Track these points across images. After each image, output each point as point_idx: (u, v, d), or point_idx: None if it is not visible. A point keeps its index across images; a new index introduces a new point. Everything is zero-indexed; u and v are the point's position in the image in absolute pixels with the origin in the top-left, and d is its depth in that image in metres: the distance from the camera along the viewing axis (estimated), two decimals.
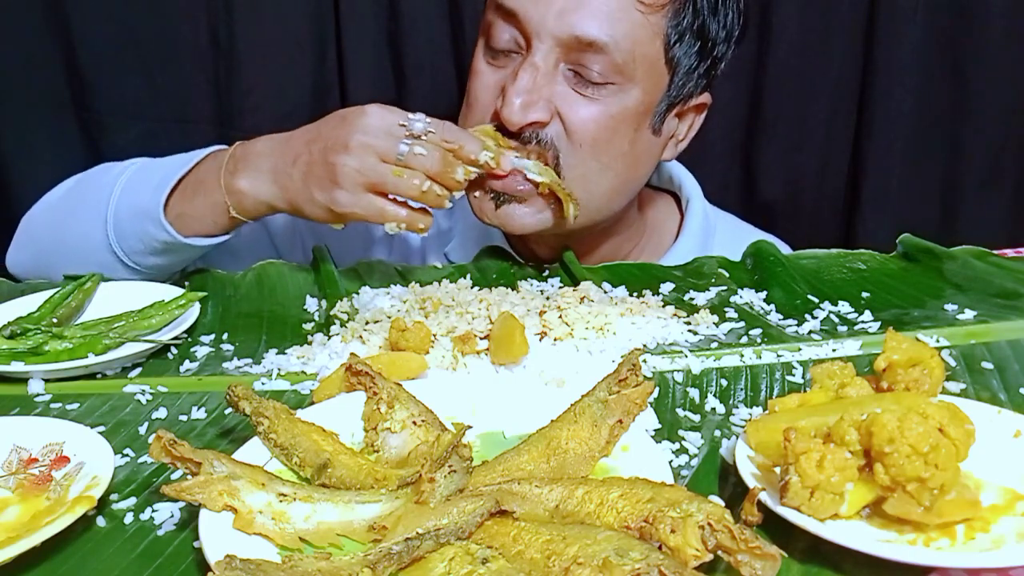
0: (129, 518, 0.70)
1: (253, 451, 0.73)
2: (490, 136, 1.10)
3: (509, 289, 1.09)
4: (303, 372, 0.94)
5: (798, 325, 1.00)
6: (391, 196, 1.02)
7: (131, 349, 0.96)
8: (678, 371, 0.91)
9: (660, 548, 0.58)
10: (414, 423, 0.75)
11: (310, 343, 0.99)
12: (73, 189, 1.25)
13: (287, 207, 1.09)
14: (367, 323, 1.00)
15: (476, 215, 1.18)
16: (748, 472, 0.68)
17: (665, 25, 1.11)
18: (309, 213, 1.07)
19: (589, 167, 1.14)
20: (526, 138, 1.12)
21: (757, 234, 1.31)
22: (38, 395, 0.91)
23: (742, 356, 0.93)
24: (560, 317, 0.97)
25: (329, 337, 0.99)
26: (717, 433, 0.79)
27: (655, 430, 0.80)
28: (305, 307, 1.11)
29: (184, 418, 0.86)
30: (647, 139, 1.18)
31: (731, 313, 1.03)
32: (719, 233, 1.35)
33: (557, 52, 1.10)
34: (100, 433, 0.77)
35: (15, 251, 1.28)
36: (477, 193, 1.15)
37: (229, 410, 0.82)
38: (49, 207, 1.26)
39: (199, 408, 0.87)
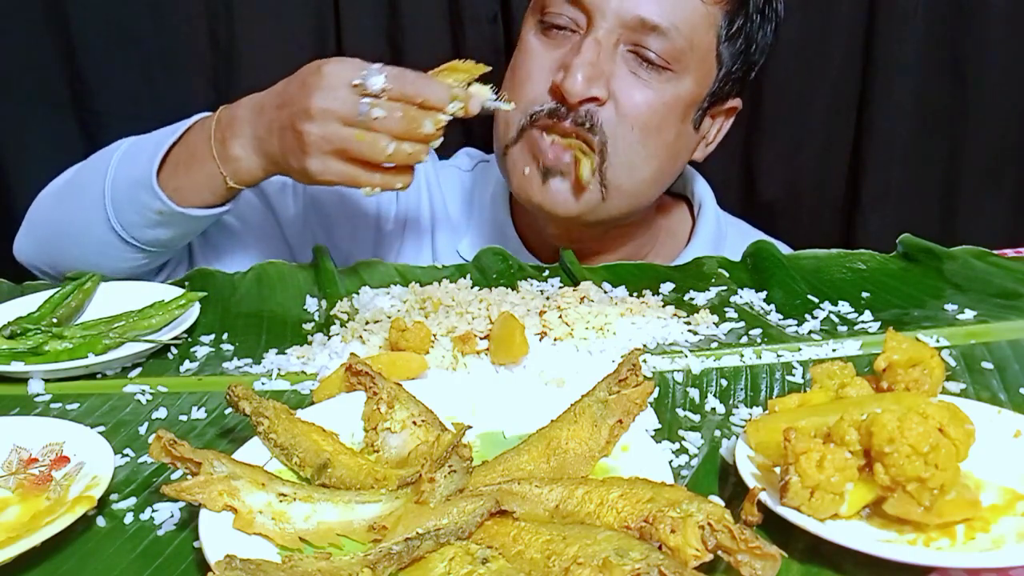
0: (129, 518, 0.70)
1: (253, 451, 0.73)
2: (460, 71, 1.05)
3: (509, 289, 1.09)
4: (303, 372, 0.94)
5: (798, 325, 0.99)
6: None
7: (131, 349, 0.96)
8: (678, 371, 0.91)
9: (660, 548, 0.58)
10: (414, 423, 0.75)
11: (310, 343, 0.99)
12: (74, 174, 1.25)
13: (279, 171, 1.09)
14: (367, 323, 1.00)
15: (518, 193, 1.20)
16: (748, 472, 0.68)
17: (721, 20, 1.15)
18: (298, 179, 1.08)
19: (636, 153, 1.16)
20: (580, 119, 1.13)
21: (766, 239, 1.32)
22: (38, 395, 0.91)
23: (742, 356, 0.93)
24: (560, 317, 0.97)
25: (329, 337, 0.99)
26: (717, 433, 0.79)
27: (655, 430, 0.80)
28: (305, 307, 1.10)
29: (184, 418, 0.86)
30: (688, 133, 1.21)
31: (731, 313, 1.03)
32: (730, 238, 1.36)
33: (618, 32, 1.13)
34: (100, 433, 0.77)
35: (21, 238, 1.28)
36: (527, 169, 1.17)
37: (229, 410, 0.82)
38: (52, 193, 1.26)
39: (199, 408, 0.87)
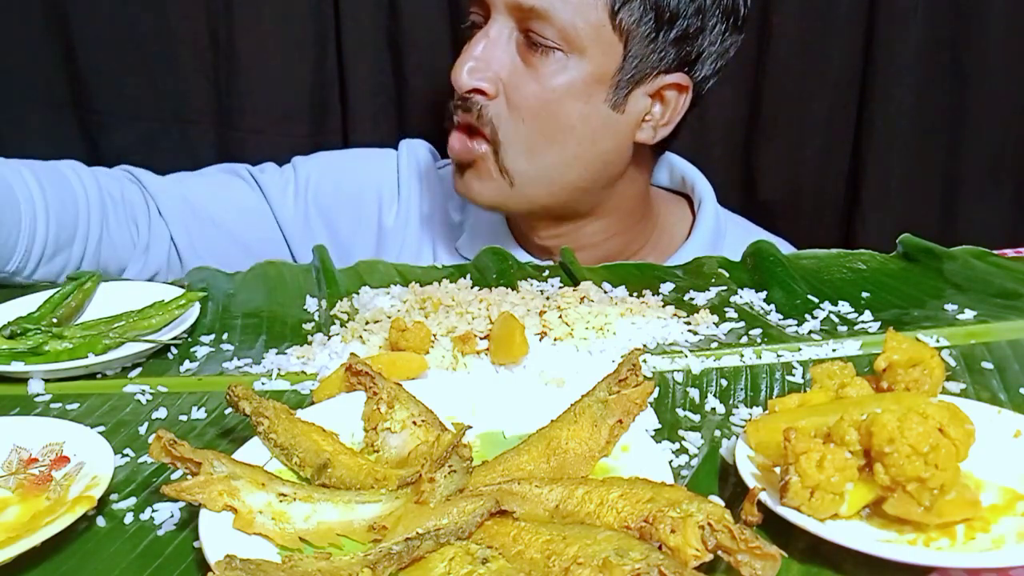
0: (129, 518, 0.70)
1: (253, 451, 0.73)
2: None
3: (509, 289, 1.09)
4: (303, 372, 0.94)
5: (798, 325, 0.99)
6: None
7: (131, 349, 0.96)
8: (678, 371, 0.91)
9: (660, 548, 0.58)
10: (414, 423, 0.75)
11: (310, 343, 0.99)
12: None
13: None
14: (367, 323, 1.00)
15: (455, 186, 1.25)
16: (748, 472, 0.68)
17: None
18: None
19: (533, 140, 1.17)
20: (469, 108, 1.16)
21: (766, 236, 1.32)
22: (38, 395, 0.91)
23: (742, 356, 0.93)
24: (560, 317, 0.97)
25: (329, 337, 0.99)
26: (717, 433, 0.79)
27: (655, 430, 0.80)
28: (305, 307, 1.10)
29: (184, 418, 0.86)
30: (603, 114, 1.18)
31: (731, 313, 1.03)
32: (729, 235, 1.35)
33: (510, 22, 1.15)
34: (100, 433, 0.77)
35: None
36: (452, 164, 1.22)
37: (229, 410, 0.82)
38: None
39: (199, 408, 0.87)
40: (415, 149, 1.44)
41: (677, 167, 1.41)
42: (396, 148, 1.46)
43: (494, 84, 1.15)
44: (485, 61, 1.15)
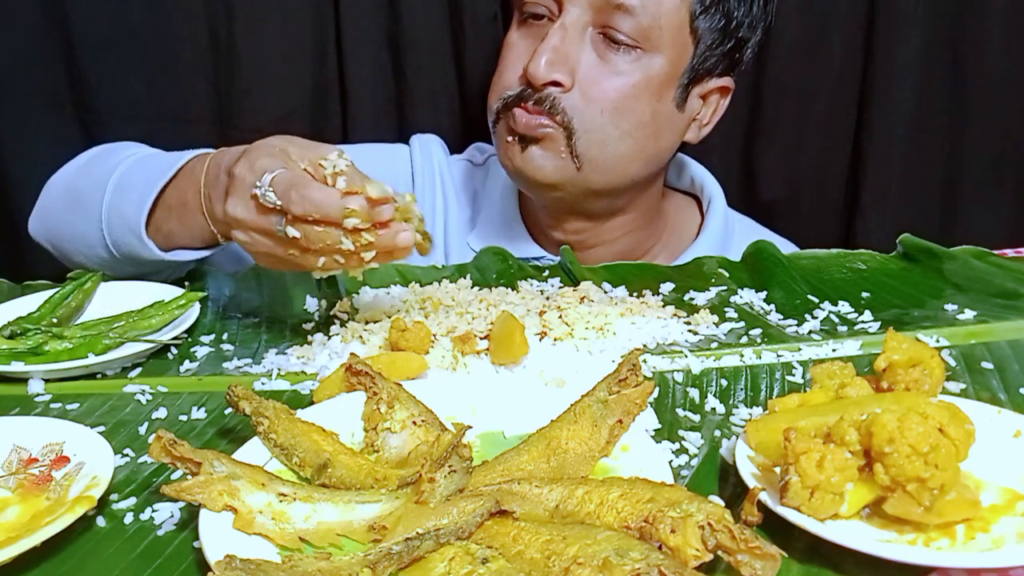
0: (129, 518, 0.70)
1: (253, 451, 0.73)
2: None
3: (509, 289, 1.09)
4: (303, 372, 0.94)
5: (798, 325, 1.00)
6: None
7: (131, 349, 0.96)
8: (678, 371, 0.91)
9: (660, 548, 0.58)
10: (414, 423, 0.75)
11: (310, 343, 0.99)
12: (82, 170, 1.22)
13: None
14: (367, 323, 1.00)
15: (503, 162, 1.24)
16: (748, 472, 0.68)
17: None
18: None
19: (606, 132, 1.18)
20: (544, 99, 1.16)
21: (774, 237, 1.33)
22: (38, 395, 0.91)
23: (742, 356, 0.93)
24: (560, 317, 0.97)
25: (329, 337, 0.99)
26: (717, 433, 0.79)
27: (655, 430, 0.80)
28: (305, 307, 1.10)
29: (184, 418, 0.86)
30: (669, 112, 1.21)
31: (731, 313, 1.03)
32: (737, 236, 1.36)
33: (588, 15, 1.15)
34: (100, 433, 0.77)
35: (35, 219, 1.25)
36: (509, 137, 1.20)
37: (229, 410, 0.82)
38: (61, 184, 1.23)
39: (199, 408, 0.87)
40: (428, 144, 1.44)
41: (687, 168, 1.42)
42: (404, 143, 1.46)
43: (571, 76, 1.15)
44: (563, 53, 1.15)
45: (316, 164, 0.90)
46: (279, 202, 0.87)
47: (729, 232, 1.36)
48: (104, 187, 1.12)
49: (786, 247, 1.23)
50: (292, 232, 0.87)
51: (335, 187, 0.88)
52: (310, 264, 0.90)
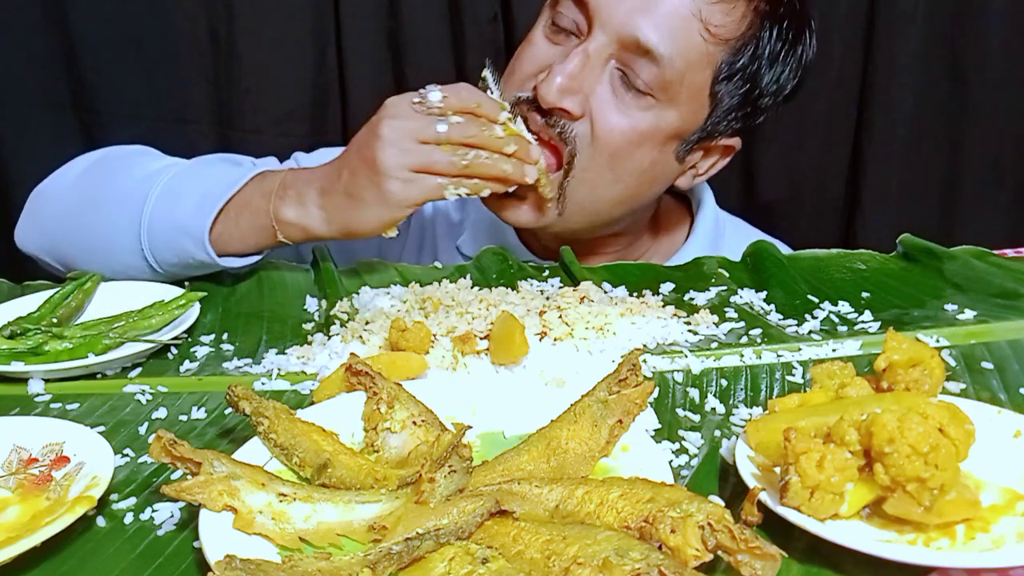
0: (129, 518, 0.70)
1: (253, 451, 0.73)
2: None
3: (509, 289, 1.09)
4: (303, 372, 0.94)
5: (798, 325, 1.00)
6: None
7: (131, 349, 0.96)
8: (678, 371, 0.91)
9: (660, 548, 0.58)
10: (414, 423, 0.75)
11: (310, 343, 0.99)
12: (95, 176, 1.21)
13: (338, 230, 1.08)
14: (367, 323, 1.00)
15: (484, 203, 1.20)
16: (748, 472, 0.68)
17: (721, 58, 1.12)
18: (363, 224, 1.06)
19: (603, 175, 1.14)
20: (552, 123, 1.12)
21: (767, 239, 1.32)
22: (38, 395, 0.91)
23: (742, 356, 0.92)
24: (560, 317, 0.97)
25: (329, 337, 0.99)
26: (717, 433, 0.79)
27: (655, 430, 0.80)
28: (305, 307, 1.10)
29: (184, 418, 0.86)
30: (668, 163, 1.18)
31: (731, 313, 1.03)
32: (728, 237, 1.35)
33: (613, 48, 1.11)
34: (100, 433, 0.77)
35: (24, 227, 1.25)
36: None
37: (229, 410, 0.82)
38: (66, 189, 1.22)
39: (199, 408, 0.87)
40: None
41: None
42: None
43: (580, 107, 1.11)
44: (578, 81, 1.10)
45: (414, 102, 1.04)
46: (446, 95, 1.02)
47: (720, 233, 1.36)
48: (142, 197, 1.12)
49: (781, 249, 1.22)
50: (444, 126, 1.01)
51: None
52: (456, 159, 1.03)
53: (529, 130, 1.13)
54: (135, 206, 1.12)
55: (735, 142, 1.22)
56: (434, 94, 1.03)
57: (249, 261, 1.14)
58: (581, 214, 1.16)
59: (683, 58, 1.09)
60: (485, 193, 1.08)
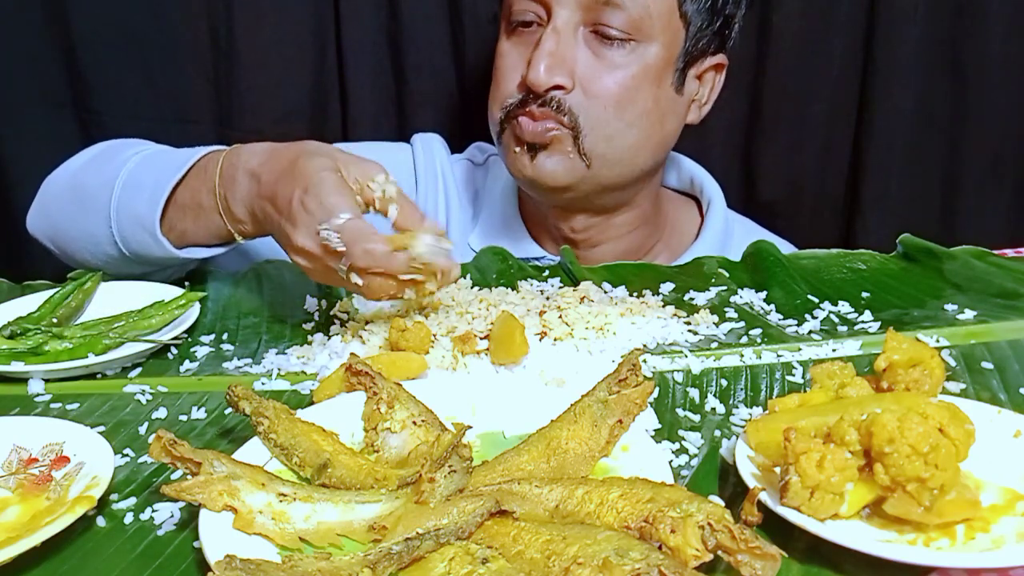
0: (129, 518, 0.70)
1: (253, 451, 0.73)
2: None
3: (509, 289, 1.09)
4: (303, 372, 0.94)
5: (798, 325, 1.00)
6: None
7: (131, 349, 0.96)
8: (678, 371, 0.91)
9: (660, 548, 0.58)
10: (414, 423, 0.75)
11: (310, 343, 0.99)
12: (87, 166, 1.22)
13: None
14: (367, 323, 1.00)
15: (513, 172, 1.24)
16: (748, 472, 0.68)
17: None
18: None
19: (613, 125, 1.19)
20: (548, 102, 1.17)
21: (773, 238, 1.32)
22: (38, 395, 0.91)
23: (742, 356, 0.93)
24: (560, 317, 0.97)
25: (329, 337, 0.99)
26: (717, 433, 0.79)
27: (655, 430, 0.80)
28: (305, 307, 1.10)
29: (184, 418, 0.86)
30: (670, 96, 1.23)
31: (731, 313, 1.03)
32: (736, 236, 1.36)
33: (577, 15, 1.16)
34: (100, 433, 0.77)
35: (35, 215, 1.25)
36: (517, 148, 1.21)
37: (229, 410, 0.82)
38: (66, 180, 1.22)
39: (199, 408, 0.87)
40: (429, 143, 1.43)
41: (685, 169, 1.43)
42: (405, 142, 1.45)
43: (570, 78, 1.16)
44: (559, 57, 1.15)
45: (364, 185, 0.94)
46: (343, 249, 0.89)
47: (729, 233, 1.37)
48: (112, 184, 1.12)
49: (785, 248, 1.23)
50: (355, 279, 0.90)
51: (387, 215, 0.94)
52: (373, 296, 0.93)
53: (521, 140, 1.18)
54: (106, 196, 1.12)
55: (721, 59, 1.27)
56: (335, 240, 0.89)
57: (214, 252, 1.11)
58: (607, 165, 1.20)
59: None
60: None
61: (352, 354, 0.84)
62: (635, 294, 1.08)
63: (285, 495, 0.65)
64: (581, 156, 1.19)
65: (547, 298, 1.05)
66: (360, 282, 0.90)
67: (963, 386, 0.84)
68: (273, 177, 0.97)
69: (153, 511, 0.70)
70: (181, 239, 1.09)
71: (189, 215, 1.07)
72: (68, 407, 0.88)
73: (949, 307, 1.00)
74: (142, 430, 0.84)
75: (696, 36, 1.21)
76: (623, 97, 1.18)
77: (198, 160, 1.08)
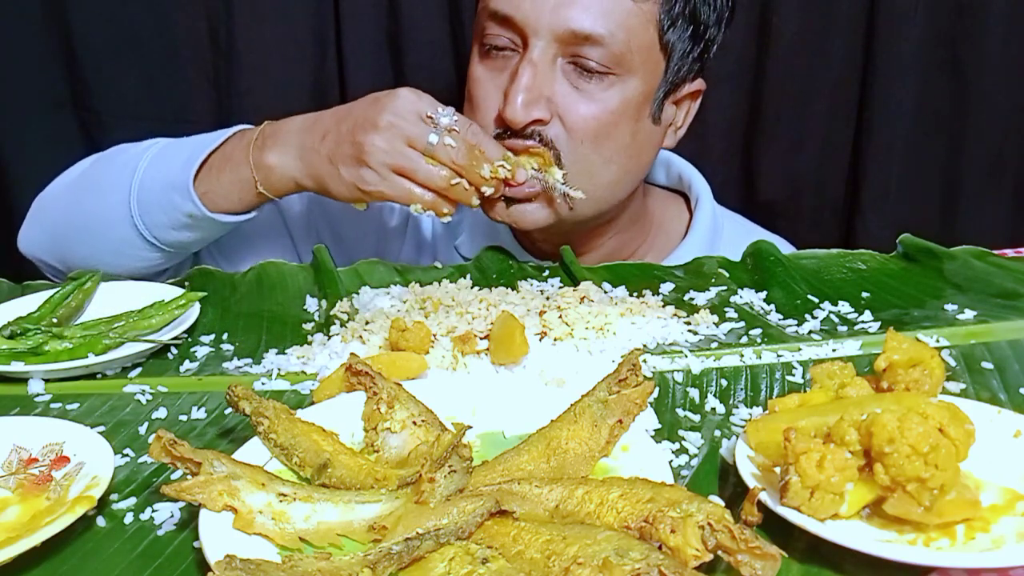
0: (129, 518, 0.70)
1: (253, 451, 0.73)
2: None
3: (509, 289, 1.09)
4: (303, 372, 0.94)
5: (798, 325, 0.99)
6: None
7: (131, 349, 0.96)
8: (678, 371, 0.91)
9: (660, 548, 0.58)
10: (414, 423, 0.75)
11: (310, 343, 0.99)
12: (91, 168, 1.26)
13: (313, 184, 1.10)
14: (367, 323, 1.00)
15: (486, 212, 1.19)
16: (748, 472, 0.68)
17: (657, 12, 1.14)
18: (334, 190, 1.08)
19: (592, 161, 1.16)
20: (528, 135, 1.13)
21: (764, 234, 1.32)
22: (38, 395, 0.91)
23: (742, 356, 0.93)
24: (560, 317, 0.97)
25: (329, 337, 0.99)
26: (717, 433, 0.79)
27: (655, 430, 0.80)
28: (305, 307, 1.11)
29: (184, 418, 0.86)
30: (648, 128, 1.20)
31: (731, 313, 1.03)
32: (726, 233, 1.36)
33: (555, 47, 1.12)
34: (100, 433, 0.77)
35: (27, 231, 1.28)
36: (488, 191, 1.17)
37: (229, 410, 0.82)
38: (65, 186, 1.26)
39: (199, 408, 0.87)
40: None
41: (674, 165, 1.42)
42: None
43: (548, 110, 1.13)
44: (536, 90, 1.12)
45: (426, 116, 1.03)
46: (456, 126, 1.03)
47: (718, 229, 1.36)
48: (133, 168, 1.16)
49: (785, 247, 1.22)
50: (448, 140, 1.02)
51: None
52: (440, 178, 1.04)
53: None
54: (125, 177, 1.16)
55: (699, 84, 1.24)
56: (446, 118, 1.04)
57: (240, 218, 1.16)
58: (587, 202, 1.17)
59: (623, 28, 1.11)
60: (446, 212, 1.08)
61: (352, 354, 0.84)
62: (635, 294, 1.08)
63: (285, 495, 0.65)
64: (565, 198, 1.15)
65: (547, 298, 1.05)
66: (453, 143, 1.03)
67: (963, 386, 0.84)
68: (338, 113, 1.09)
69: (153, 511, 0.70)
70: (204, 199, 1.13)
71: (215, 171, 1.13)
72: (68, 407, 0.88)
73: (949, 307, 1.00)
74: (142, 430, 0.84)
75: (678, 65, 1.18)
76: (601, 132, 1.14)
77: (234, 132, 1.16)
